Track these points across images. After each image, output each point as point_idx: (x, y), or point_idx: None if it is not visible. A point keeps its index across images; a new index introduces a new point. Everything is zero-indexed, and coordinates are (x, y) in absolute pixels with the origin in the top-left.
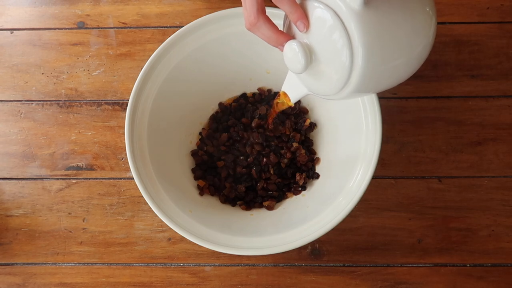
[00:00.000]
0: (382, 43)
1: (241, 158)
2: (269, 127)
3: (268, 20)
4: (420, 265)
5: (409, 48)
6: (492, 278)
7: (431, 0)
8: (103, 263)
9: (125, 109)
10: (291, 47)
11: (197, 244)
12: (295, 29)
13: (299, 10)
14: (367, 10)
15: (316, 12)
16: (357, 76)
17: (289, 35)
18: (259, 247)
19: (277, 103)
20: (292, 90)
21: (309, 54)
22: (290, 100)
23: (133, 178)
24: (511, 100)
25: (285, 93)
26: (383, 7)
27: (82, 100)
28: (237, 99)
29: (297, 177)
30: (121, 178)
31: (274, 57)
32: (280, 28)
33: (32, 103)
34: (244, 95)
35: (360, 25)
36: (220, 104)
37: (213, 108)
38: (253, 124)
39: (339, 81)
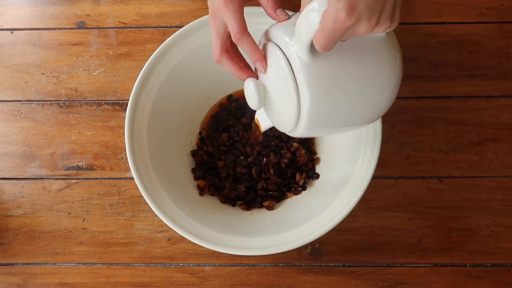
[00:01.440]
0: (329, 89)
1: (241, 158)
2: (253, 140)
3: (231, 57)
4: (420, 265)
5: (363, 93)
6: (492, 278)
7: (393, 39)
8: (103, 263)
9: (125, 109)
10: (249, 85)
11: (197, 244)
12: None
13: (258, 53)
14: (316, 59)
15: (272, 56)
16: (306, 118)
17: (250, 71)
18: (259, 247)
19: (256, 126)
20: (262, 119)
21: (264, 94)
22: (261, 127)
23: (133, 178)
24: (511, 100)
25: (258, 120)
26: (333, 57)
27: (82, 100)
28: (236, 99)
29: (297, 177)
30: (121, 178)
31: None
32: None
33: (32, 103)
34: (230, 96)
35: (307, 73)
36: (221, 104)
37: (213, 108)
38: (253, 124)
39: (290, 121)
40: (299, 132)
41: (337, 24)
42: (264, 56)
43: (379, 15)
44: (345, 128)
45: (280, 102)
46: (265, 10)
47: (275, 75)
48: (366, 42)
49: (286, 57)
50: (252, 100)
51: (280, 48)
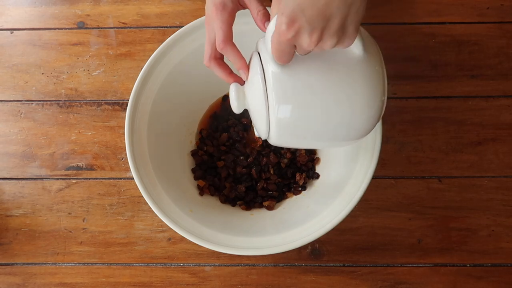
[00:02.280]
0: (296, 101)
1: (241, 158)
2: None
3: (219, 63)
4: (420, 265)
5: (332, 109)
6: (492, 278)
7: (374, 58)
8: (103, 263)
9: (125, 109)
10: (231, 89)
11: (197, 244)
12: None
13: (241, 61)
14: (286, 71)
15: (254, 65)
16: (274, 127)
17: (237, 77)
18: (259, 247)
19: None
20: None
21: (243, 99)
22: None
23: (133, 178)
24: (511, 100)
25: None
26: (303, 70)
27: (82, 100)
28: None
29: (297, 177)
30: (121, 178)
31: None
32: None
33: (32, 103)
34: (225, 96)
35: (274, 83)
36: (221, 104)
37: (212, 107)
38: (251, 129)
39: (264, 128)
40: (272, 140)
41: (280, 36)
42: (246, 65)
43: (322, 31)
44: (322, 143)
45: (255, 109)
46: (255, 22)
47: (252, 82)
48: (340, 59)
49: (263, 66)
50: (232, 104)
51: (260, 58)
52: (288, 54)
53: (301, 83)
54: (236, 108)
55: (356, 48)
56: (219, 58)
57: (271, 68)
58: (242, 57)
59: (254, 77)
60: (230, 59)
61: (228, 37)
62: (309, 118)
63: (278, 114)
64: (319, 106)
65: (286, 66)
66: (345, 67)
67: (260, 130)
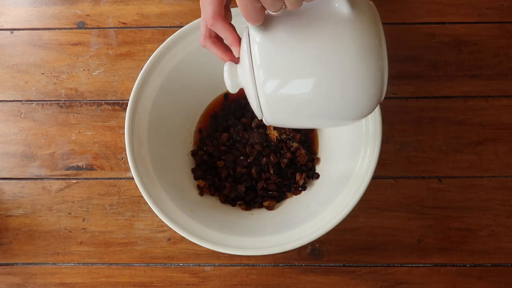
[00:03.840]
0: (280, 71)
1: (241, 158)
2: (274, 139)
3: (214, 42)
4: (420, 265)
5: (319, 77)
6: (492, 278)
7: (366, 19)
8: (103, 263)
9: (125, 109)
10: (224, 69)
11: (197, 244)
12: None
13: (232, 36)
14: (267, 38)
15: (243, 40)
16: (263, 102)
17: (232, 55)
18: (259, 247)
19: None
20: None
21: (235, 77)
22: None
23: (133, 178)
24: (511, 100)
25: None
26: (285, 35)
27: (82, 100)
28: (236, 99)
29: (297, 177)
30: (121, 178)
31: None
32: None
33: (32, 103)
34: (226, 94)
35: (257, 53)
36: (222, 104)
37: (211, 106)
38: (253, 124)
39: (256, 106)
40: (267, 119)
41: None
42: (238, 40)
43: None
44: (319, 120)
45: (246, 86)
46: None
47: (242, 58)
48: (328, 21)
49: (249, 39)
50: (227, 83)
51: (249, 34)
52: (252, 8)
53: (285, 51)
54: (230, 87)
55: (342, 6)
56: (213, 37)
57: (256, 38)
58: (233, 32)
59: (242, 53)
60: (221, 35)
61: (218, 13)
62: (299, 89)
63: (263, 86)
64: (307, 74)
65: (269, 33)
66: (333, 28)
67: (254, 109)
